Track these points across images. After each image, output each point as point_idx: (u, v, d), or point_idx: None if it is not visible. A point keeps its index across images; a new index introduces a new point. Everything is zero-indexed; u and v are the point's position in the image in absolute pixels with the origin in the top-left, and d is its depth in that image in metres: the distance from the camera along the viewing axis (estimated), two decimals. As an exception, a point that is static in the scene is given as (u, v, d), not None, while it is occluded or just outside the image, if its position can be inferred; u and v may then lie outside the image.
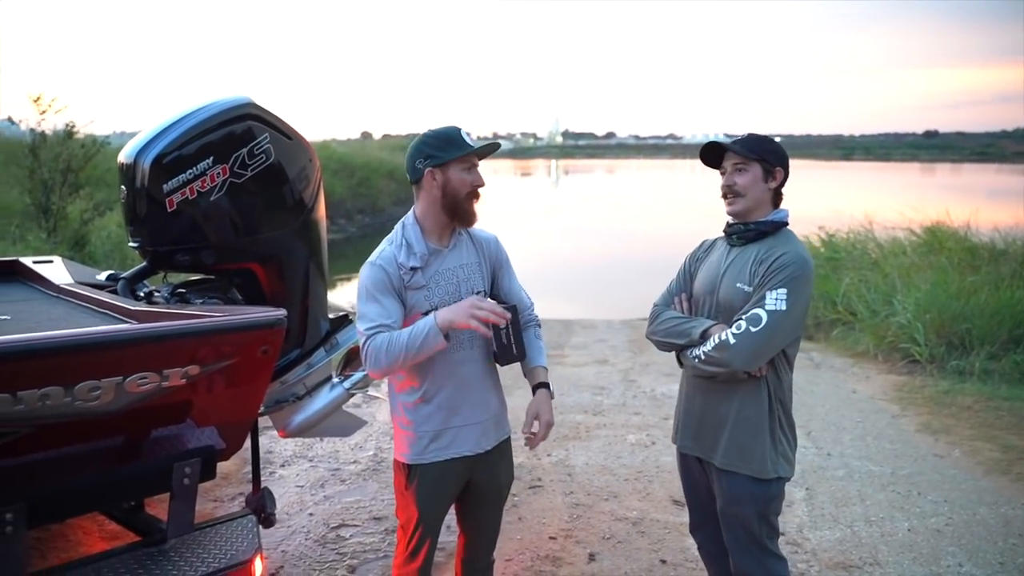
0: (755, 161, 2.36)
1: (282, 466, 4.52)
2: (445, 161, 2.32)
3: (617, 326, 9.01)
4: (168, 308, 2.68)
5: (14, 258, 3.75)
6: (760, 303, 2.25)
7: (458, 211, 2.35)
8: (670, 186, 50.86)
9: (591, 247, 19.89)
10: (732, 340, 2.24)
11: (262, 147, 3.01)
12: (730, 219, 2.47)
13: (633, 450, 4.87)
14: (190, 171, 2.83)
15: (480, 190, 2.37)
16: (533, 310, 2.61)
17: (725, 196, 2.42)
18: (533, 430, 2.43)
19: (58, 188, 11.41)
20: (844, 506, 4.08)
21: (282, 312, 2.46)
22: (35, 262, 3.68)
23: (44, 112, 11.36)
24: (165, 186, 2.79)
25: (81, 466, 2.25)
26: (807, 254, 2.34)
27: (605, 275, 15.47)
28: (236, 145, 2.93)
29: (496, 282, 2.52)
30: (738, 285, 2.35)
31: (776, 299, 2.24)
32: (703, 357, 2.31)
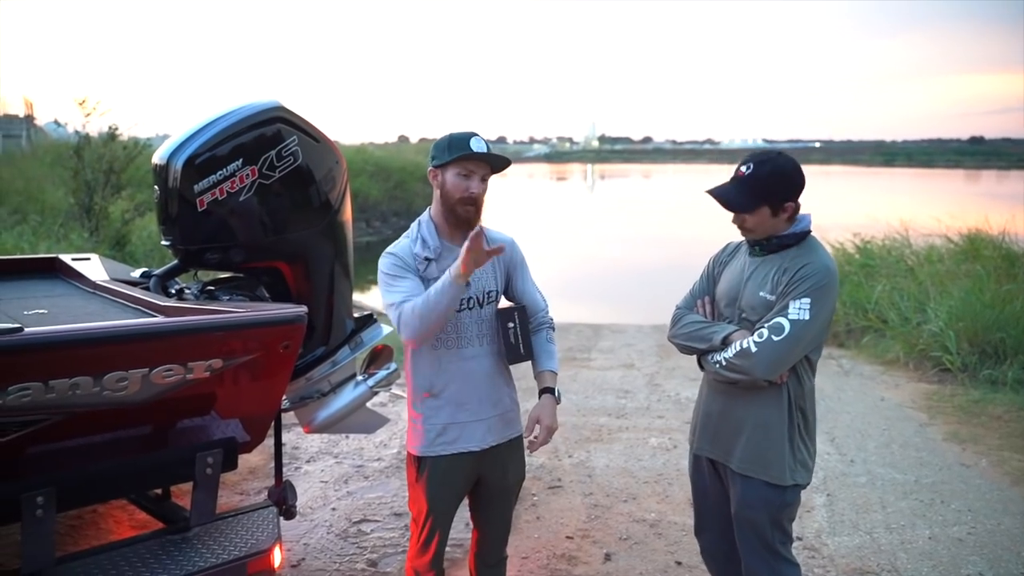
0: (761, 206, 2.31)
1: (308, 462, 4.63)
2: (443, 163, 2.39)
3: (647, 331, 9.00)
4: (195, 304, 2.78)
5: (54, 255, 3.89)
6: (783, 312, 2.24)
7: (452, 214, 2.40)
8: (705, 192, 50.39)
9: (625, 252, 19.84)
10: (754, 348, 2.24)
11: (290, 149, 3.10)
12: None
13: (654, 453, 4.89)
14: (220, 172, 2.93)
15: (477, 198, 2.38)
16: (547, 312, 2.65)
17: (735, 225, 2.40)
18: (534, 435, 2.47)
19: (101, 188, 11.72)
20: (864, 512, 4.06)
21: (303, 309, 2.54)
22: (74, 259, 3.82)
23: (89, 115, 11.69)
24: (196, 186, 2.89)
25: (108, 453, 2.36)
26: (831, 263, 2.33)
27: (638, 280, 15.44)
28: (265, 147, 3.02)
29: (510, 283, 2.58)
30: (761, 294, 2.34)
31: (799, 308, 2.23)
32: (724, 363, 2.32)
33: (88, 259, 3.91)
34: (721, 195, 2.36)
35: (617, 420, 5.55)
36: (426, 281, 2.39)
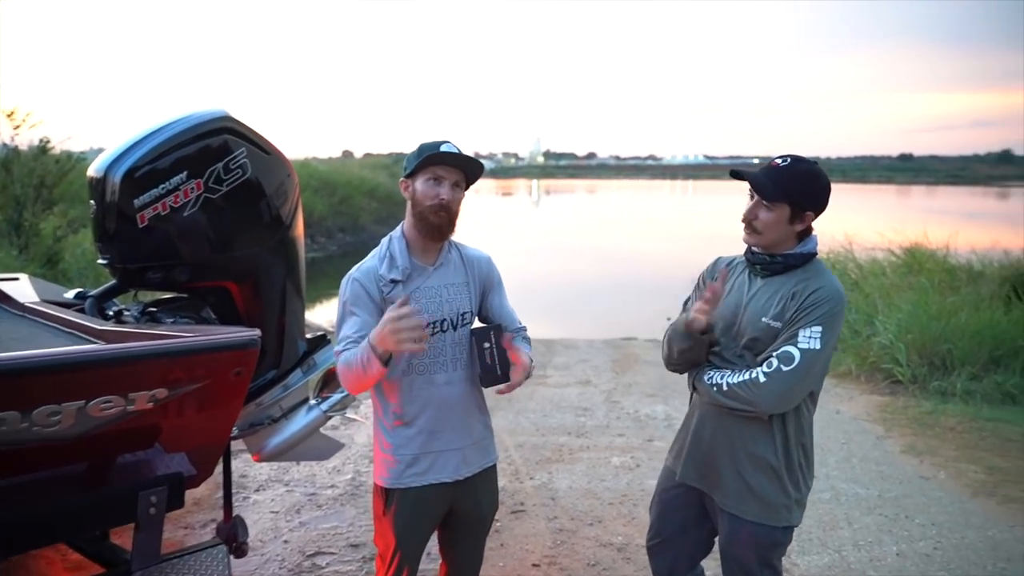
0: (783, 203, 2.14)
1: (256, 491, 4.39)
2: (413, 170, 2.25)
3: (599, 346, 8.94)
4: (137, 328, 2.57)
5: (-23, 276, 3.62)
6: (792, 340, 2.08)
7: (423, 225, 2.25)
8: (650, 207, 51.13)
9: (572, 267, 19.85)
10: (762, 379, 2.08)
11: (238, 162, 2.93)
12: (753, 247, 2.26)
13: (617, 473, 4.78)
14: (163, 186, 2.74)
15: (448, 205, 2.22)
16: (522, 327, 2.49)
17: (744, 221, 2.21)
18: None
19: (31, 204, 11.21)
20: (832, 530, 4.01)
21: (256, 332, 2.36)
22: (1, 279, 3.56)
23: (18, 127, 11.19)
24: (136, 201, 2.70)
25: (38, 496, 2.13)
26: (841, 288, 2.17)
27: (586, 295, 15.42)
28: (211, 159, 2.84)
29: (484, 302, 2.43)
30: (764, 320, 2.16)
31: (810, 337, 2.07)
32: (724, 389, 2.15)
33: (16, 279, 3.65)
34: (750, 176, 2.19)
35: (577, 439, 5.44)
36: (389, 304, 2.23)
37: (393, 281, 2.24)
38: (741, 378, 2.13)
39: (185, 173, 2.77)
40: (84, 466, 2.23)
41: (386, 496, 2.32)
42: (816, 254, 2.23)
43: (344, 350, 2.18)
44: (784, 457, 2.20)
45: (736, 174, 2.25)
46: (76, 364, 2.02)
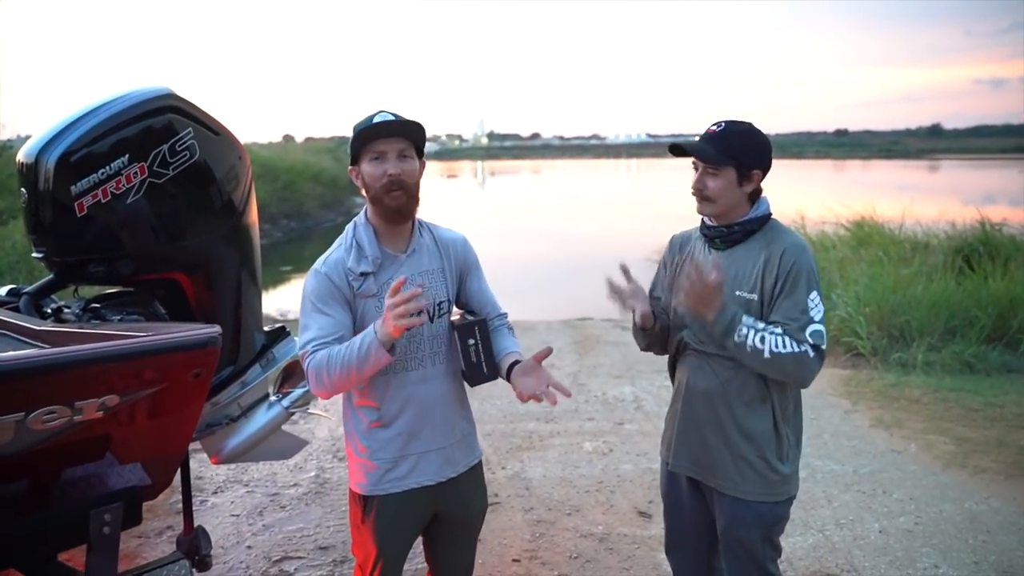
0: (729, 166, 2.10)
1: (214, 493, 4.14)
2: (354, 155, 2.04)
3: (558, 327, 8.82)
4: (80, 328, 2.32)
5: None
6: (805, 318, 2.02)
7: (381, 208, 2.04)
8: (596, 186, 51.30)
9: (522, 248, 19.72)
10: (812, 354, 2.02)
11: (185, 143, 2.69)
12: (706, 220, 2.23)
13: (591, 459, 4.66)
14: (102, 171, 2.49)
15: (400, 179, 2.00)
16: (502, 310, 2.33)
17: (694, 195, 2.16)
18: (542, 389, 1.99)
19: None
20: (812, 509, 3.95)
21: (216, 330, 2.13)
22: (-79, 277, 3.25)
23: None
24: (73, 188, 2.44)
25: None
26: (798, 236, 2.16)
27: (539, 276, 15.30)
28: (155, 141, 2.60)
29: (463, 286, 2.25)
30: (737, 293, 2.11)
31: (816, 305, 2.05)
32: (768, 357, 2.00)
33: (-60, 277, 3.35)
34: (691, 147, 2.13)
35: (547, 425, 5.30)
36: (360, 299, 2.03)
37: (363, 274, 2.03)
38: (788, 349, 2.01)
39: (127, 156, 2.53)
40: (26, 485, 1.98)
41: (364, 503, 2.13)
42: (771, 215, 2.19)
43: (315, 350, 1.97)
44: (774, 429, 2.16)
45: (676, 148, 2.19)
46: (12, 372, 1.77)
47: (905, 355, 6.69)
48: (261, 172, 23.56)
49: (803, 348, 2.01)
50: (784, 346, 2.01)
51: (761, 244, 2.12)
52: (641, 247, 13.26)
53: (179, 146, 2.67)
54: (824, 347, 2.05)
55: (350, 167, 2.10)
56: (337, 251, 2.09)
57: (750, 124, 2.16)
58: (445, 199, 37.30)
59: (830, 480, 4.33)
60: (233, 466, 4.39)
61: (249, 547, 3.55)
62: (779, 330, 2.03)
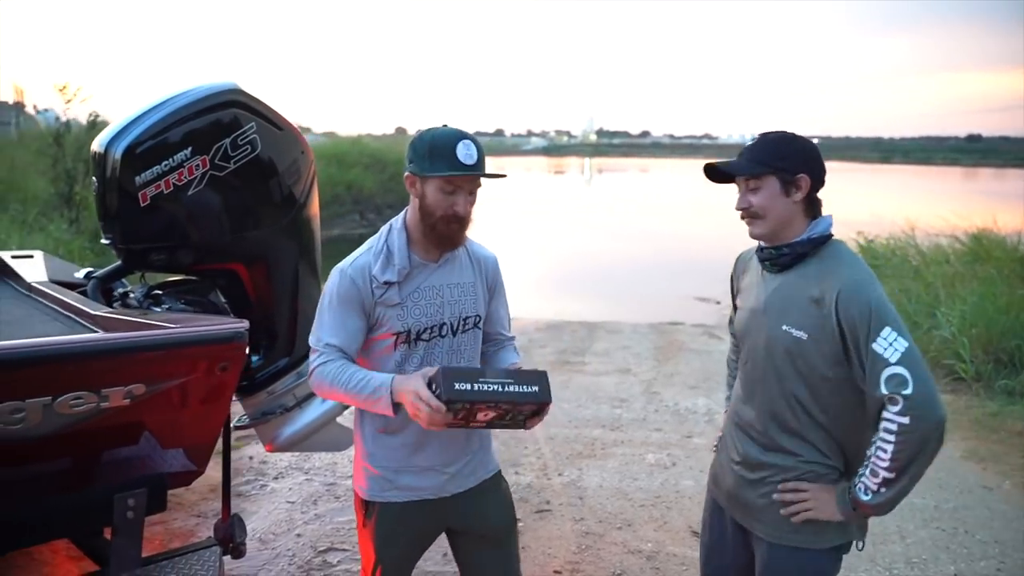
0: (768, 174, 1.89)
1: (276, 478, 4.26)
2: (425, 174, 1.96)
3: (644, 330, 8.64)
4: (129, 315, 2.41)
5: (-8, 252, 3.54)
6: (880, 363, 1.74)
7: (432, 232, 1.99)
8: (705, 187, 50.22)
9: (622, 248, 19.48)
10: (907, 421, 1.71)
11: (247, 137, 2.76)
12: (761, 243, 2.00)
13: (652, 472, 4.53)
14: (165, 163, 2.59)
15: (463, 218, 1.97)
16: (509, 331, 2.28)
17: (743, 218, 1.96)
18: None
19: (81, 178, 11.36)
20: (882, 544, 3.71)
21: (243, 325, 2.17)
22: (14, 256, 3.47)
23: (69, 101, 11.32)
24: (138, 179, 2.55)
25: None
26: (864, 270, 1.86)
27: (635, 276, 15.07)
28: (218, 135, 2.68)
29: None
30: (785, 328, 1.87)
31: (889, 344, 1.74)
32: (893, 470, 1.74)
33: (31, 256, 3.57)
34: (724, 165, 1.96)
35: (612, 433, 5.19)
36: (380, 307, 1.99)
37: (387, 283, 1.99)
38: (889, 452, 1.75)
39: (189, 149, 2.62)
40: (54, 467, 2.07)
41: (366, 508, 2.11)
42: (831, 235, 1.93)
43: (325, 362, 1.96)
44: (838, 469, 1.92)
45: (710, 171, 2.01)
46: (40, 358, 1.86)
47: (1012, 382, 6.19)
48: (370, 163, 24.27)
49: (891, 427, 1.74)
50: (887, 448, 1.75)
51: (815, 274, 1.87)
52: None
53: (241, 140, 2.75)
54: (911, 387, 1.72)
55: (408, 173, 1.99)
56: (366, 255, 2.05)
57: (786, 131, 1.97)
58: (549, 195, 37.31)
59: (907, 514, 4.04)
60: (296, 454, 4.50)
61: (299, 535, 3.63)
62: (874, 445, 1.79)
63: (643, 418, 5.50)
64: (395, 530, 2.09)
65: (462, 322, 2.07)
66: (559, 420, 5.39)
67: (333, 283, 2.03)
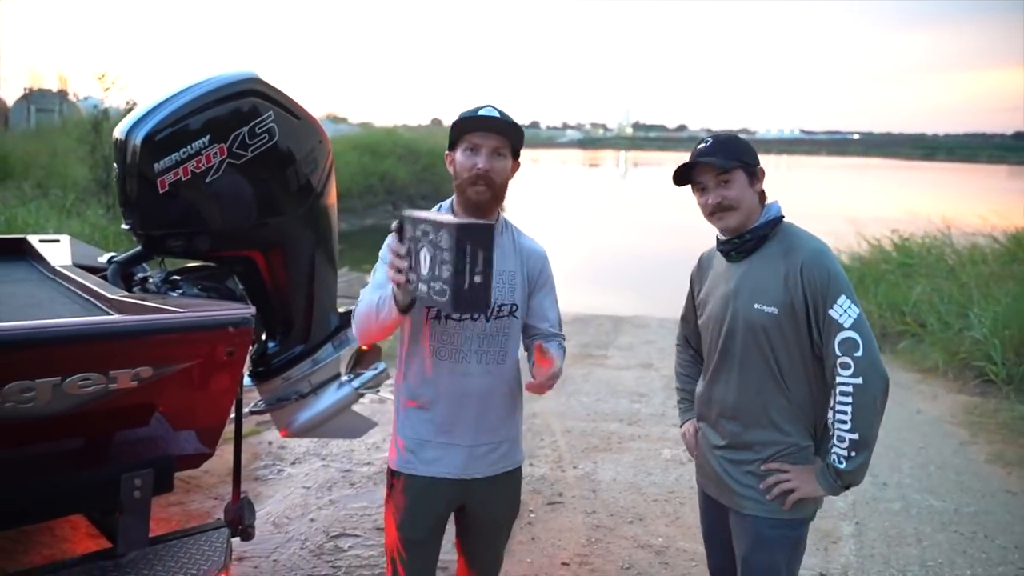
0: (737, 168, 2.05)
1: (293, 463, 4.32)
2: (452, 142, 2.08)
3: (670, 325, 8.59)
4: (144, 300, 2.47)
5: (22, 236, 3.64)
6: (833, 330, 1.93)
7: (463, 198, 2.08)
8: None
9: (655, 241, 19.37)
10: (859, 381, 1.89)
11: (265, 126, 2.79)
12: (720, 236, 2.15)
13: (667, 467, 4.52)
14: (184, 150, 2.62)
15: (487, 175, 2.01)
16: (561, 335, 2.26)
17: (713, 214, 2.09)
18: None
19: (117, 165, 11.57)
20: (898, 546, 3.66)
21: (249, 310, 2.21)
22: (41, 240, 3.56)
23: (107, 89, 11.53)
24: (157, 165, 2.59)
25: (9, 476, 2.04)
26: (819, 242, 2.05)
27: (666, 270, 14.98)
28: (236, 123, 2.71)
29: (530, 298, 2.20)
30: (756, 306, 2.02)
31: (844, 310, 1.93)
32: (856, 431, 1.89)
33: (57, 240, 3.65)
34: (700, 157, 2.07)
35: (629, 427, 5.18)
36: None
37: None
38: (849, 413, 1.91)
39: (207, 137, 2.65)
40: (62, 446, 2.13)
41: (393, 477, 2.18)
42: (783, 217, 2.11)
43: (364, 296, 2.05)
44: (811, 441, 2.06)
45: (680, 175, 2.14)
46: (50, 339, 1.91)
47: (1044, 387, 6.07)
48: (404, 153, 24.37)
49: (846, 388, 1.91)
50: (846, 411, 1.91)
51: (778, 253, 2.05)
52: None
53: (259, 128, 2.78)
54: (861, 350, 1.90)
55: (447, 151, 2.13)
56: None
57: (730, 132, 2.20)
58: (584, 188, 37.17)
59: (925, 516, 3.99)
60: (314, 440, 4.56)
61: (312, 520, 3.68)
62: (835, 412, 1.94)
63: (661, 413, 5.49)
64: (419, 503, 2.12)
65: (496, 309, 2.09)
66: (577, 413, 5.40)
67: (390, 240, 2.04)
